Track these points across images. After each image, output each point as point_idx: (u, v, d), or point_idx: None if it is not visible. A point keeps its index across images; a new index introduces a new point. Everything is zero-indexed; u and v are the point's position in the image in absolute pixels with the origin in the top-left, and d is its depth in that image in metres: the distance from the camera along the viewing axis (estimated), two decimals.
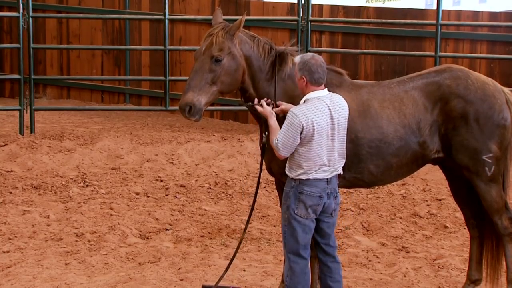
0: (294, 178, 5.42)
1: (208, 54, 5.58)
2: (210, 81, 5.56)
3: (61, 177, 9.34)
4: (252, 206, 6.04)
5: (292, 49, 5.88)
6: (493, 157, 5.92)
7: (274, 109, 5.57)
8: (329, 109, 5.40)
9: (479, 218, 6.28)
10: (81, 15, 12.89)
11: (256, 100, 5.69)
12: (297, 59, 5.50)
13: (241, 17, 5.68)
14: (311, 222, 5.46)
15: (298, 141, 5.33)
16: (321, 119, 5.36)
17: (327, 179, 5.44)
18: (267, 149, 5.77)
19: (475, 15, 11.08)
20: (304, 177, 5.39)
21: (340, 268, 5.66)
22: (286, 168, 5.50)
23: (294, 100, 5.69)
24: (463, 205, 6.35)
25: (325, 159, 5.42)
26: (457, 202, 6.45)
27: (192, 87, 5.54)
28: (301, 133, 5.32)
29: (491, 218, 6.09)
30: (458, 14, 11.21)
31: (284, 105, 5.63)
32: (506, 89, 6.12)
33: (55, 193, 8.87)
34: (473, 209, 6.29)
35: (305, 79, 5.39)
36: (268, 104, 5.59)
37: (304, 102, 5.43)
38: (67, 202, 8.58)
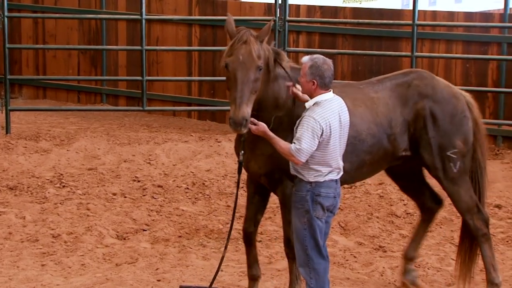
0: (312, 181, 5.47)
1: (252, 64, 5.50)
2: (254, 90, 5.54)
3: (37, 177, 9.27)
4: (232, 221, 6.07)
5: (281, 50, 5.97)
6: (458, 152, 6.13)
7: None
8: (338, 111, 5.49)
9: (434, 203, 6.59)
10: (57, 15, 12.81)
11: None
12: (307, 61, 5.50)
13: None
14: (323, 222, 5.55)
15: (316, 144, 5.39)
16: (335, 121, 5.45)
17: (336, 179, 5.55)
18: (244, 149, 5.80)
19: (451, 15, 11.15)
20: (321, 179, 5.47)
21: (329, 268, 5.75)
22: (293, 171, 5.54)
23: (278, 100, 5.74)
24: (416, 196, 6.64)
25: (336, 160, 5.53)
26: (409, 196, 6.75)
27: (244, 100, 5.46)
28: (320, 137, 5.38)
29: (463, 219, 6.27)
30: (434, 14, 11.27)
31: (296, 90, 5.64)
32: (464, 93, 6.42)
33: (31, 194, 8.81)
34: (427, 196, 6.59)
35: (316, 82, 5.43)
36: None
37: (314, 104, 5.47)
38: (43, 203, 8.52)
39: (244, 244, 6.25)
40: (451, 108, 6.16)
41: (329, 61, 5.50)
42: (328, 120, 5.40)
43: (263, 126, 5.51)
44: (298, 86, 5.68)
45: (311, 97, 5.50)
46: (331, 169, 5.50)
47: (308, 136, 5.35)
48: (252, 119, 5.54)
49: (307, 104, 5.51)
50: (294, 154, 5.38)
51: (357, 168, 6.00)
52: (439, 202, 6.62)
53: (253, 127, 5.50)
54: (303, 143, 5.35)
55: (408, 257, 6.62)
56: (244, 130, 5.46)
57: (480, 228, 6.21)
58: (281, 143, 5.45)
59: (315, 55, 5.53)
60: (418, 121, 6.09)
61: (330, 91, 5.51)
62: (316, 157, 5.44)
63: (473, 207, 6.21)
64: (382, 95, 6.11)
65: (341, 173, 5.59)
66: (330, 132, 5.41)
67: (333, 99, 5.51)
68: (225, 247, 6.09)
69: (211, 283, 6.15)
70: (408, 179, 6.57)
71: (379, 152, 6.05)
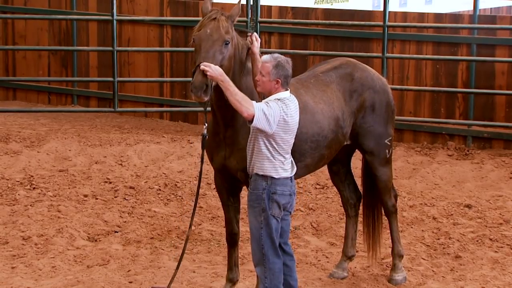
0: (267, 175, 5.48)
1: (218, 37, 5.51)
2: (219, 63, 5.51)
3: (7, 179, 9.19)
4: (195, 204, 6.14)
5: None
6: (391, 139, 6.59)
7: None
8: (296, 110, 5.55)
9: (356, 199, 6.86)
10: (27, 16, 12.69)
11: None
12: (269, 59, 5.50)
13: (237, 3, 5.72)
14: (279, 221, 5.58)
15: (274, 126, 5.37)
16: (296, 118, 5.52)
17: (291, 177, 5.59)
18: (221, 148, 5.79)
19: (421, 16, 11.24)
20: (276, 176, 5.50)
21: (295, 265, 5.78)
22: (251, 169, 5.57)
23: (253, 95, 5.75)
24: (342, 187, 6.87)
25: (290, 155, 5.59)
26: (336, 186, 6.96)
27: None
28: (284, 122, 5.39)
29: (382, 198, 6.68)
30: (404, 15, 11.36)
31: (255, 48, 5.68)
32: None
33: (0, 196, 8.72)
34: (351, 190, 6.85)
35: (280, 81, 5.47)
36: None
37: (275, 100, 5.48)
38: (14, 205, 8.45)
39: (228, 246, 6.28)
40: (386, 97, 6.55)
41: (290, 60, 5.57)
42: (291, 115, 5.46)
43: (220, 69, 5.38)
44: (257, 37, 5.68)
45: (269, 96, 5.52)
46: (287, 166, 5.54)
47: (270, 112, 5.34)
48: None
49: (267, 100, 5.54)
50: (255, 111, 5.30)
51: (317, 162, 6.18)
52: (359, 197, 6.88)
53: (209, 70, 5.35)
54: (265, 113, 5.32)
55: (348, 256, 6.85)
56: (205, 98, 5.42)
57: (394, 204, 6.73)
58: (236, 90, 5.36)
59: (275, 54, 5.57)
60: (360, 112, 6.41)
61: (288, 89, 5.56)
62: (274, 154, 5.47)
63: (392, 185, 6.72)
64: (332, 88, 6.29)
65: (295, 170, 5.64)
66: (293, 125, 5.47)
67: (291, 97, 5.56)
68: (187, 238, 6.15)
69: (170, 281, 6.13)
70: (339, 165, 6.82)
71: (336, 145, 6.28)
